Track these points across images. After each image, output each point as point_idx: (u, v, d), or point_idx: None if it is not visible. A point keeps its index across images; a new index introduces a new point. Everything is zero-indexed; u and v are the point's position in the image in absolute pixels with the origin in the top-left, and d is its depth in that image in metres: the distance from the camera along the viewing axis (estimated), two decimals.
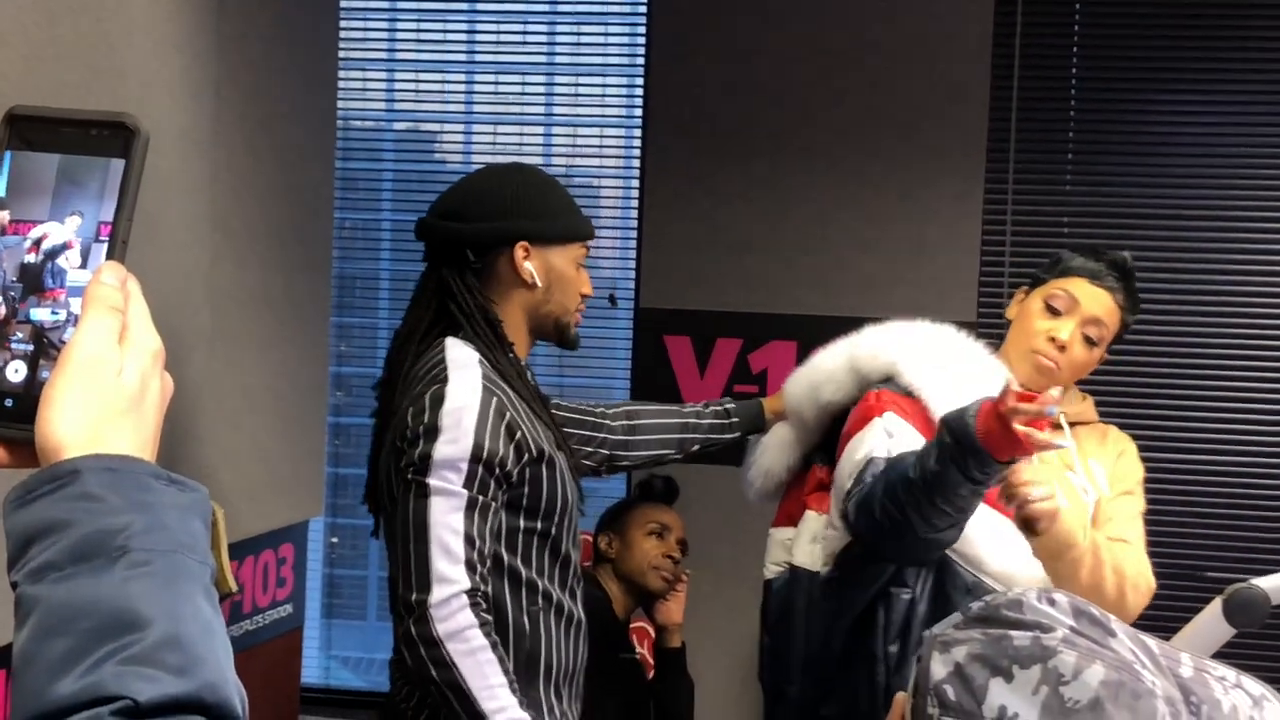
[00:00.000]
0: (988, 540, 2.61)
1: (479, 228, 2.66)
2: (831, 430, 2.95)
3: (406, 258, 5.17)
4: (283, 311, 3.34)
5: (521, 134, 5.28)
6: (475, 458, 2.49)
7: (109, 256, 1.01)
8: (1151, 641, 1.17)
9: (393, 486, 2.55)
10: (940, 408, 2.66)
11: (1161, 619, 4.10)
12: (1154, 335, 4.46)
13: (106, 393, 0.95)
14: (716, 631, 4.47)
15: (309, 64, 3.48)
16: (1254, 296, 4.44)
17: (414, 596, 2.46)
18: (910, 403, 2.74)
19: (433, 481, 2.48)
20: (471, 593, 2.46)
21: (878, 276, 4.52)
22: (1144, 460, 4.15)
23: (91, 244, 1.01)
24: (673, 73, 4.67)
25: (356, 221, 5.33)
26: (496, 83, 5.27)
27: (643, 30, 4.88)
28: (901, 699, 1.22)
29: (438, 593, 2.44)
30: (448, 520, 2.47)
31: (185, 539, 0.92)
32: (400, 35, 5.32)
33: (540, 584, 2.61)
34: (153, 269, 2.69)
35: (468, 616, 2.45)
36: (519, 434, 2.54)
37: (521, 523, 2.58)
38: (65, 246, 1.01)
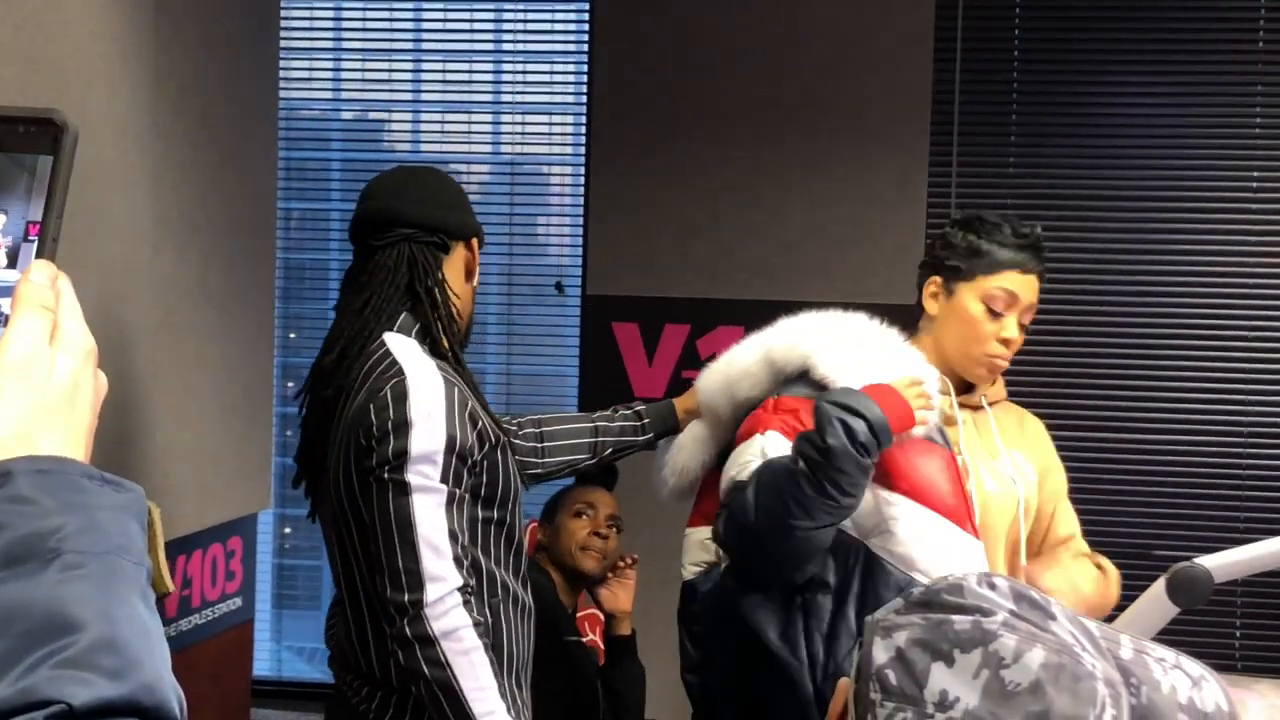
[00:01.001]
0: (917, 540, 2.59)
1: (451, 215, 2.66)
2: None
3: None
4: (226, 303, 3.32)
5: (470, 121, 5.26)
6: (450, 449, 2.45)
7: (39, 255, 0.99)
8: (1091, 624, 1.18)
9: (353, 485, 2.50)
10: None
11: None
12: (1103, 317, 4.50)
13: (38, 393, 0.94)
14: (666, 618, 4.47)
15: (250, 53, 3.46)
16: (1202, 278, 4.49)
17: (406, 598, 2.41)
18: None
19: (412, 478, 2.42)
20: (463, 589, 2.43)
21: (823, 260, 4.53)
22: (1095, 442, 4.20)
23: (20, 243, 0.99)
24: (616, 59, 4.67)
25: (305, 211, 5.30)
26: (444, 70, 5.25)
27: (587, 16, 4.87)
28: (845, 684, 1.22)
29: (432, 591, 2.40)
30: (432, 517, 2.42)
31: (120, 540, 0.91)
32: (346, 22, 5.29)
33: (499, 575, 2.58)
34: (93, 262, 2.67)
35: (461, 615, 2.42)
36: (480, 422, 2.51)
37: (480, 512, 2.55)
38: None
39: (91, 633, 0.85)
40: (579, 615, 3.70)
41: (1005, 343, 2.83)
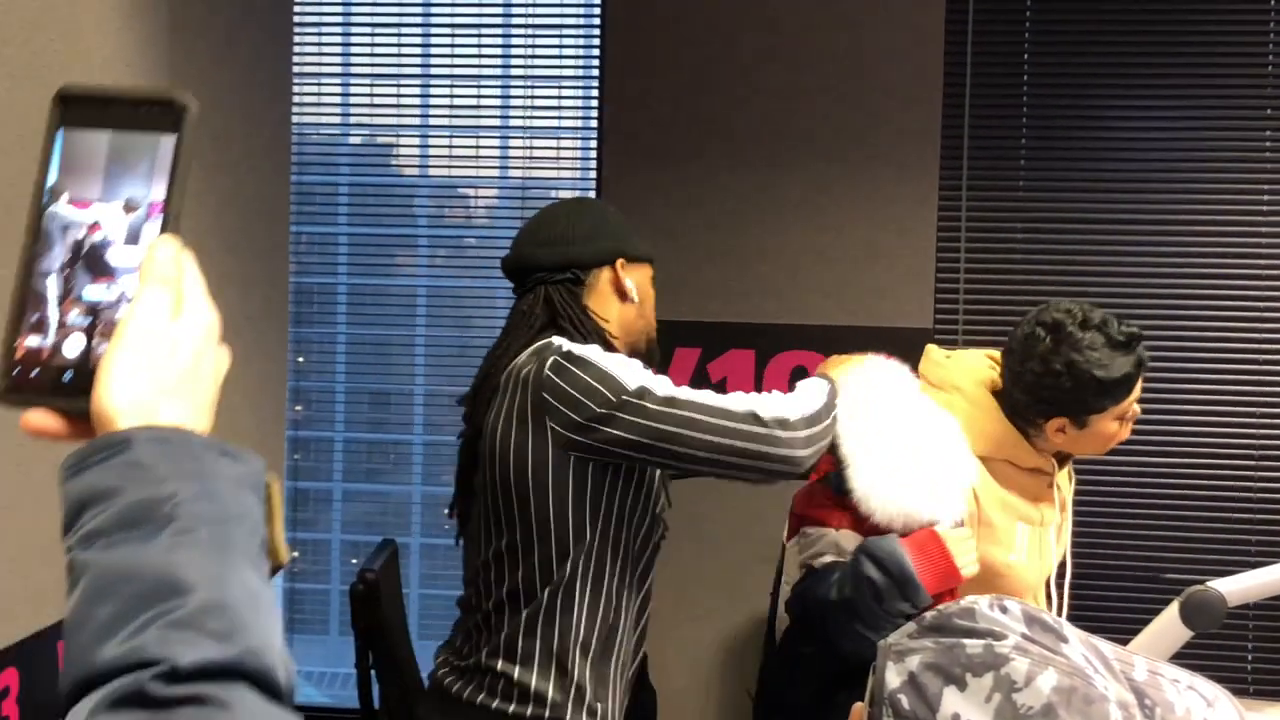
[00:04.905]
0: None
1: (584, 247, 2.73)
2: None
3: (364, 270, 5.16)
4: (239, 326, 3.32)
5: (478, 145, 5.27)
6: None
7: (163, 230, 1.02)
8: (1105, 646, 1.17)
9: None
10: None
11: (1121, 621, 4.14)
12: None
13: (160, 365, 0.98)
14: (677, 640, 4.47)
15: (263, 77, 3.47)
16: (1208, 299, 4.48)
17: (764, 430, 2.45)
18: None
19: (657, 389, 2.47)
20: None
21: (834, 283, 4.53)
22: (1105, 464, 4.18)
23: (143, 223, 1.02)
24: (627, 82, 4.68)
25: (314, 235, 5.31)
26: (452, 94, 5.26)
27: (597, 40, 4.88)
28: (858, 710, 1.22)
29: (771, 409, 2.46)
30: (700, 392, 2.50)
31: (235, 509, 0.95)
32: (354, 47, 5.30)
33: (629, 574, 2.63)
34: None
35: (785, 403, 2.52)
36: None
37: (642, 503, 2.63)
38: (117, 226, 1.02)
39: (200, 595, 0.87)
40: None
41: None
